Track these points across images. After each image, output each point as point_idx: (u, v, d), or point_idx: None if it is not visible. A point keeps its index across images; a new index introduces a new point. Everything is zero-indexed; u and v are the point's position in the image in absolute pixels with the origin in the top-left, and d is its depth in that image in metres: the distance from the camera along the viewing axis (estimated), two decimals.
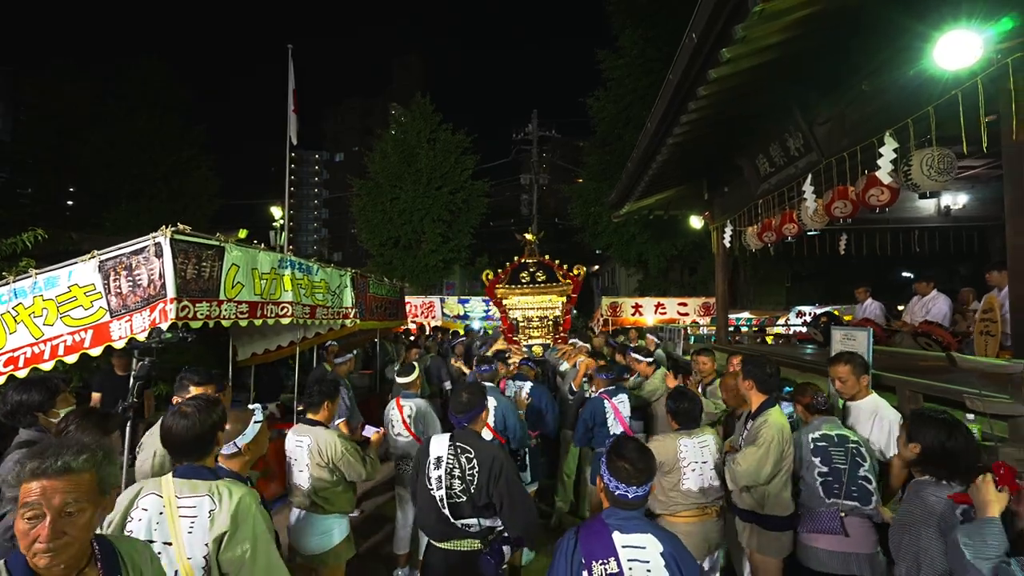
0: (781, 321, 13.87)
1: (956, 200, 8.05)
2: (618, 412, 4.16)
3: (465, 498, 2.43)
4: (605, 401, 4.21)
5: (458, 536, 2.47)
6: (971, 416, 2.59)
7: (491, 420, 3.74)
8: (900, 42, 3.66)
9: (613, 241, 18.03)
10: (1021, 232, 3.03)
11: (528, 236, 8.46)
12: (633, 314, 13.87)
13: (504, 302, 7.67)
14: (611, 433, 4.10)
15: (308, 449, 3.00)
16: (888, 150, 4.05)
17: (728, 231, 8.14)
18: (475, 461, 2.46)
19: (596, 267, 28.96)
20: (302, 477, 3.01)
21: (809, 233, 6.46)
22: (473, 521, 2.46)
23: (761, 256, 9.41)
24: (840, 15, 3.67)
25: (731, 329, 12.50)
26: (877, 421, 2.74)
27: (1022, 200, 3.04)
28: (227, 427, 2.12)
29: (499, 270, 8.07)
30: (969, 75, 3.23)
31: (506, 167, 27.78)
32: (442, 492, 2.43)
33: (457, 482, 2.44)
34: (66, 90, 19.87)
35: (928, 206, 8.22)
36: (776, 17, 3.55)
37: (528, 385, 4.62)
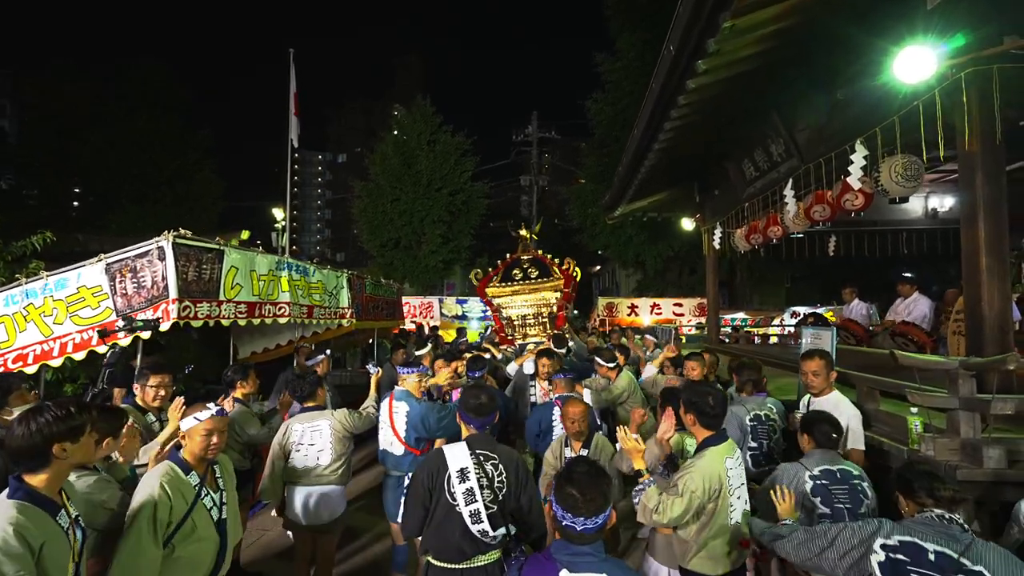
0: (776, 321, 14.03)
1: (943, 203, 8.22)
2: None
3: (496, 508, 2.25)
4: (556, 408, 3.81)
5: (483, 551, 2.26)
6: (914, 409, 2.76)
7: (402, 429, 3.62)
8: (865, 56, 3.84)
9: (611, 242, 18.20)
10: (974, 239, 3.20)
11: (523, 232, 8.11)
12: (629, 314, 14.05)
13: (496, 301, 7.42)
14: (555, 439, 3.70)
15: (330, 428, 3.35)
16: (858, 157, 4.21)
17: (718, 233, 8.31)
18: (502, 467, 2.30)
19: (597, 267, 29.11)
20: (324, 456, 3.32)
21: (796, 235, 6.64)
22: (503, 531, 2.27)
23: (758, 257, 9.56)
24: (807, 30, 3.85)
25: (726, 329, 12.70)
26: (837, 417, 2.90)
27: (975, 208, 3.21)
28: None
29: (490, 268, 7.85)
30: (927, 88, 3.40)
31: (506, 168, 27.98)
32: (476, 506, 2.22)
33: (487, 492, 2.25)
34: (66, 90, 19.88)
35: (916, 208, 8.39)
36: (747, 32, 3.74)
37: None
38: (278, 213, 21.44)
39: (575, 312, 23.96)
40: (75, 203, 22.25)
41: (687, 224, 10.25)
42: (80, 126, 19.71)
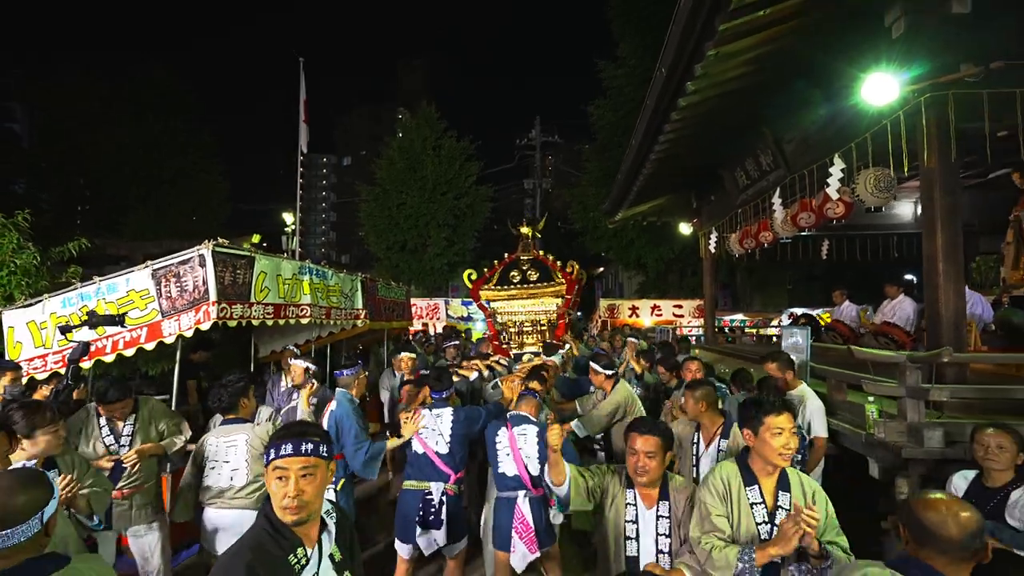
0: (775, 323, 14.33)
1: None
2: (515, 447, 3.12)
3: None
4: (502, 429, 3.22)
5: None
6: (871, 398, 3.11)
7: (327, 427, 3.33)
8: (839, 79, 4.19)
9: (613, 245, 18.55)
10: (932, 247, 3.56)
11: (524, 229, 7.38)
12: (630, 316, 14.40)
13: (490, 305, 6.75)
14: (500, 473, 3.14)
15: (247, 444, 2.97)
16: (836, 170, 4.57)
17: (713, 237, 8.67)
18: None
19: (601, 269, 29.42)
20: (238, 476, 2.93)
21: (796, 238, 6.96)
22: None
23: (758, 260, 9.90)
24: (785, 57, 4.20)
25: (726, 330, 13.02)
26: (803, 408, 3.26)
27: (934, 220, 3.56)
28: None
29: (485, 269, 7.21)
30: (891, 111, 3.76)
31: (510, 172, 28.36)
32: None
33: None
34: (75, 91, 20.16)
35: (906, 213, 8.74)
36: (731, 57, 4.11)
37: (448, 411, 3.48)
38: (287, 217, 21.90)
39: (578, 314, 24.33)
40: (87, 206, 22.60)
41: (685, 229, 10.60)
42: (89, 128, 19.87)
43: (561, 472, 2.28)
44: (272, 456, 1.44)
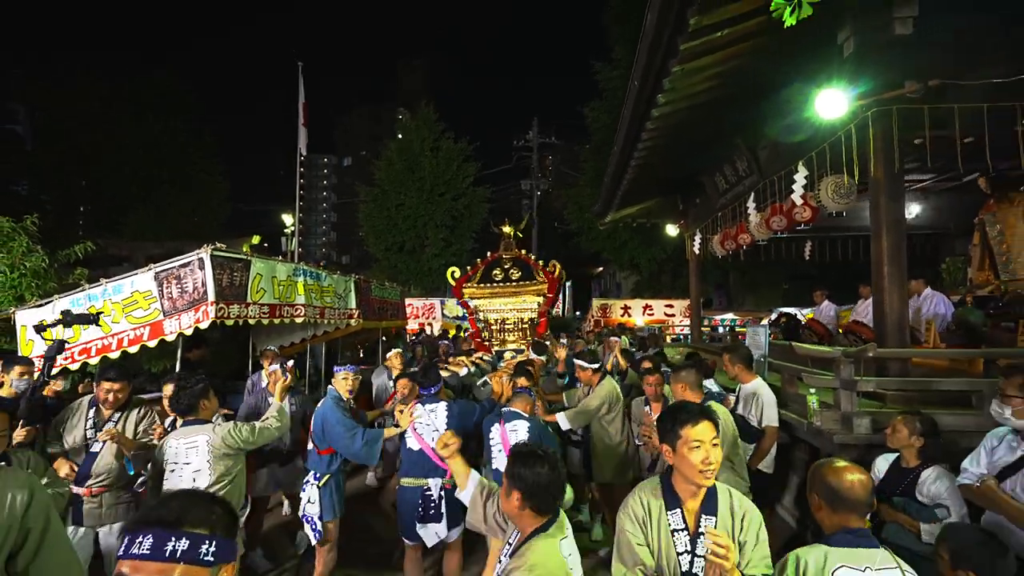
0: (764, 321, 14.59)
1: (910, 210, 8.80)
2: (507, 443, 3.18)
3: None
4: (496, 425, 3.32)
5: None
6: (812, 389, 3.39)
7: (314, 426, 3.54)
8: (798, 94, 4.46)
9: (607, 246, 18.82)
10: (879, 251, 3.83)
11: (506, 229, 7.49)
12: (622, 315, 14.67)
13: (472, 303, 6.93)
14: (495, 469, 3.27)
15: (208, 444, 2.94)
16: (800, 177, 4.84)
17: (698, 239, 8.94)
18: None
19: (600, 268, 29.70)
20: (201, 477, 2.91)
21: (760, 242, 7.25)
22: None
23: (749, 260, 10.17)
24: (747, 73, 4.47)
25: (715, 329, 13.31)
26: (756, 399, 3.54)
27: (880, 225, 3.83)
28: None
29: (468, 268, 7.32)
30: (844, 123, 4.03)
31: (508, 172, 28.64)
32: None
33: None
34: (76, 93, 20.30)
35: None
36: (696, 73, 4.38)
37: (442, 406, 3.52)
38: (287, 218, 22.19)
39: (576, 313, 24.56)
40: (88, 207, 22.78)
41: (671, 230, 10.88)
42: (89, 127, 19.96)
43: (463, 481, 2.18)
44: (119, 552, 0.92)
